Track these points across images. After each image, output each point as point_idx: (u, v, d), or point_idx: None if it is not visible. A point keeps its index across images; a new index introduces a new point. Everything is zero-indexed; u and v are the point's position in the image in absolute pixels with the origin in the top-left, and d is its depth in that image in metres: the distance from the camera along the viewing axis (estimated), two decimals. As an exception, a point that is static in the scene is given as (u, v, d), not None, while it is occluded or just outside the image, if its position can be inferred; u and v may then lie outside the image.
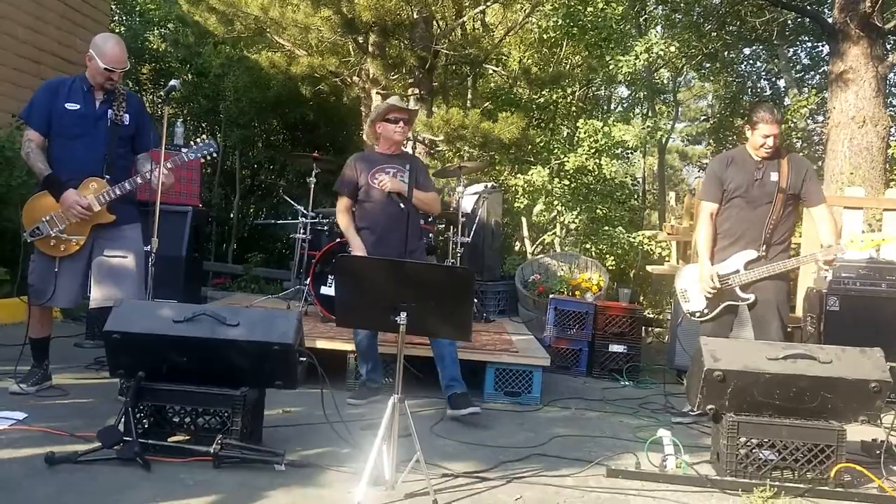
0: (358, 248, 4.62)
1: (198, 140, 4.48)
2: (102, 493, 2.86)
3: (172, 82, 4.42)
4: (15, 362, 4.26)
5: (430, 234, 6.38)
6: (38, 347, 4.32)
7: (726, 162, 4.77)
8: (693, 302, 4.83)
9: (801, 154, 14.67)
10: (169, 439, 3.40)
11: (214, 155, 4.50)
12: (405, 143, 4.86)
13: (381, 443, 3.05)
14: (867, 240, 4.47)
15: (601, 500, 3.24)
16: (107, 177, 4.16)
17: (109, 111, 4.21)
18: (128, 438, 3.20)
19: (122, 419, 3.27)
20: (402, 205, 4.50)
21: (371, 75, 8.90)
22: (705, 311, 4.76)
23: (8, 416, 3.69)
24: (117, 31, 12.32)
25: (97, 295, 4.19)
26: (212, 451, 3.21)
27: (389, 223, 4.58)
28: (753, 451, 3.54)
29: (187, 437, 3.42)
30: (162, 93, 4.48)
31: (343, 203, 4.78)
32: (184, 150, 4.47)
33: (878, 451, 3.83)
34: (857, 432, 3.95)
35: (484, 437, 4.11)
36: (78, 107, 4.18)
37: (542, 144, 9.72)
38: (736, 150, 4.95)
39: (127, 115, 4.26)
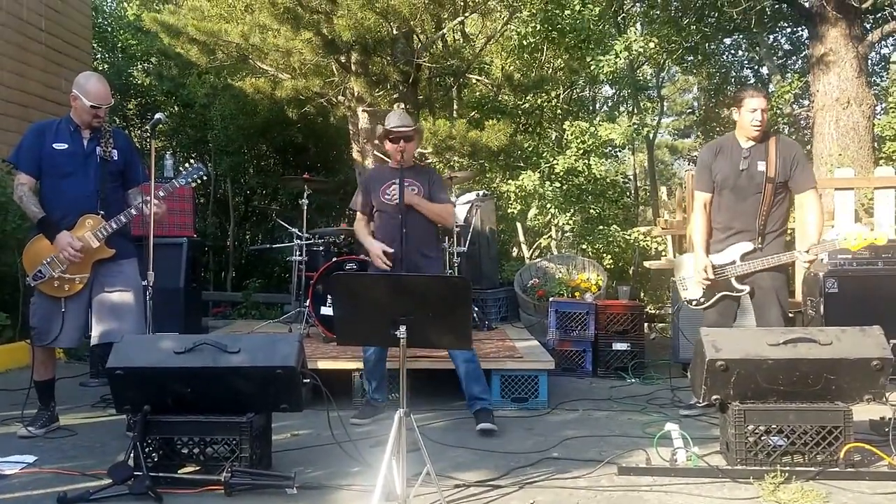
0: (375, 250, 4.51)
1: (186, 166, 4.49)
2: (116, 530, 2.87)
3: (157, 115, 4.45)
4: (21, 406, 4.28)
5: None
6: (44, 390, 4.34)
7: (715, 151, 4.77)
8: (690, 290, 4.87)
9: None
10: (179, 471, 3.39)
11: (204, 178, 4.51)
12: (411, 158, 4.78)
13: (389, 458, 3.05)
14: (859, 238, 4.44)
15: (614, 499, 3.24)
16: (101, 212, 4.18)
17: (98, 148, 4.24)
18: (138, 473, 3.21)
19: (132, 454, 3.29)
20: (399, 216, 4.44)
21: (356, 93, 8.93)
22: (702, 299, 4.79)
23: (18, 459, 3.70)
24: (100, 68, 12.34)
25: (99, 331, 4.20)
26: (222, 479, 3.22)
27: (398, 237, 4.49)
28: (762, 438, 3.55)
29: (197, 468, 3.42)
30: (148, 127, 4.48)
31: (358, 217, 4.82)
32: (173, 180, 4.48)
33: (886, 429, 3.83)
34: (865, 411, 3.96)
35: (494, 445, 4.11)
36: (66, 146, 4.21)
37: (530, 149, 9.75)
38: (724, 138, 4.91)
39: (115, 151, 4.29)
